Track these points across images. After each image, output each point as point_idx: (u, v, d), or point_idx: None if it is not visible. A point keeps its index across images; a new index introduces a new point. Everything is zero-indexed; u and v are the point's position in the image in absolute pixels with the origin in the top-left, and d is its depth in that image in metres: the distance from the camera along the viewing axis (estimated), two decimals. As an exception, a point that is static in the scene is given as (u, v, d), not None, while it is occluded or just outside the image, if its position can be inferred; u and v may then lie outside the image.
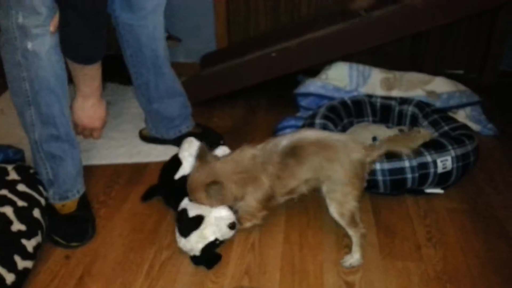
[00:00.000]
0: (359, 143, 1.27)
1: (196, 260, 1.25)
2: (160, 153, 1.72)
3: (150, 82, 1.63)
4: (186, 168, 1.41)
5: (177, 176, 1.41)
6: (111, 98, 2.15)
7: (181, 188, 1.33)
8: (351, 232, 1.25)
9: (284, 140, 1.26)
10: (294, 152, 1.23)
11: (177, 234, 1.27)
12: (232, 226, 1.27)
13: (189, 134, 1.74)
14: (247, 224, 1.33)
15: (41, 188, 1.34)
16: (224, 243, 1.30)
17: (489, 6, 1.85)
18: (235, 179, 1.24)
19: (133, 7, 1.46)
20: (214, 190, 1.22)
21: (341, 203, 1.23)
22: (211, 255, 1.25)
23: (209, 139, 1.75)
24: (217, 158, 1.31)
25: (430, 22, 1.85)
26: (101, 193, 1.53)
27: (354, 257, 1.23)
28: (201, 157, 1.28)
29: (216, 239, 1.25)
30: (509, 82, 2.29)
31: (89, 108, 1.36)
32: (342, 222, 1.25)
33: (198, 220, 1.24)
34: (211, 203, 1.26)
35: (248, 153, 1.26)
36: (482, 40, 2.32)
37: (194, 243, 1.23)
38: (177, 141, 1.74)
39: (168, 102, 1.67)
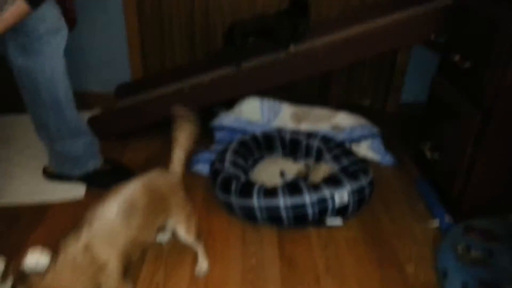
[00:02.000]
0: (166, 171, 1.30)
1: None
2: (66, 192, 1.67)
3: (50, 124, 1.57)
4: None
5: None
6: (13, 132, 2.05)
7: None
8: (196, 245, 1.35)
9: (112, 205, 1.10)
10: (134, 209, 1.12)
11: None
12: None
13: (96, 171, 1.71)
14: None
15: None
16: None
17: (383, 50, 2.01)
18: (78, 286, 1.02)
19: (28, 51, 1.42)
20: None
21: (187, 224, 1.29)
22: None
23: (119, 176, 1.73)
24: (40, 275, 1.02)
25: (331, 65, 1.98)
26: (-3, 237, 1.45)
27: (204, 266, 1.37)
28: (21, 283, 1.02)
29: None
30: (408, 113, 2.50)
31: None
32: (191, 239, 1.32)
33: None
34: None
35: (75, 249, 1.02)
36: (385, 73, 2.52)
37: None
38: (85, 179, 1.70)
39: (71, 143, 1.62)
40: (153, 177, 1.24)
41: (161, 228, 1.28)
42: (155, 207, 1.18)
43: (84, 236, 1.03)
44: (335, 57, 1.93)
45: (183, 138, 1.31)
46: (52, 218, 1.53)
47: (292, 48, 1.91)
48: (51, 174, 1.74)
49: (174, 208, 1.25)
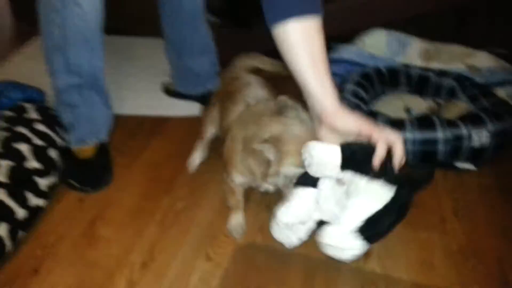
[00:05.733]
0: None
1: None
2: (183, 108, 1.69)
3: (186, 36, 1.58)
4: None
5: None
6: (140, 52, 2.13)
7: None
8: None
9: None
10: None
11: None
12: None
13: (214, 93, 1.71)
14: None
15: (59, 130, 1.33)
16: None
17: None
18: None
19: None
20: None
21: None
22: None
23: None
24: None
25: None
26: (120, 142, 1.51)
27: None
28: None
29: None
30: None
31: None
32: None
33: None
34: None
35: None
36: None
37: None
38: (201, 99, 1.71)
39: (199, 59, 1.63)
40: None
41: None
42: None
43: None
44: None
45: None
46: (171, 129, 1.57)
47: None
48: (169, 91, 1.77)
49: None
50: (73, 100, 1.33)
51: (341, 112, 0.93)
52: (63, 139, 1.33)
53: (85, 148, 1.37)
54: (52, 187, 1.22)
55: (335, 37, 2.00)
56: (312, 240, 1.14)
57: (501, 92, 1.79)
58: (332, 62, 1.89)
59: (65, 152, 1.34)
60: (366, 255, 1.10)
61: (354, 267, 1.07)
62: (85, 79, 1.30)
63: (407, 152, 1.35)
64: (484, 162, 1.42)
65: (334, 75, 1.87)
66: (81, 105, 1.34)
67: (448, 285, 1.03)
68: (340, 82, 1.67)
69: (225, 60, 1.77)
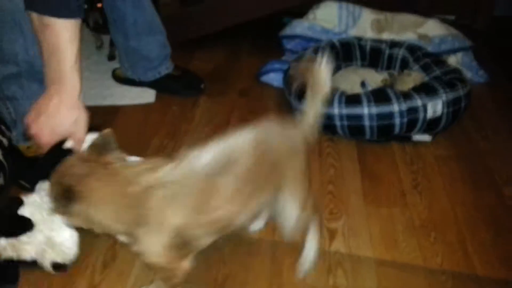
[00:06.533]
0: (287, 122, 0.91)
1: None
2: (136, 96, 1.62)
3: (127, 16, 1.49)
4: None
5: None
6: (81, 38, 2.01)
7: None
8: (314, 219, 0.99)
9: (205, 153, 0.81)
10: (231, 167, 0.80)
11: None
12: (56, 266, 1.00)
13: (168, 76, 1.64)
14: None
15: (3, 127, 1.24)
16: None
17: None
18: (117, 202, 0.78)
19: None
20: (62, 202, 0.78)
21: (303, 201, 0.91)
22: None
23: (189, 83, 1.66)
24: (121, 160, 0.85)
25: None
26: (70, 136, 1.44)
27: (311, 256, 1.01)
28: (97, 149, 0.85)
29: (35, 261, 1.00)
30: (502, 28, 2.20)
31: (51, 112, 0.96)
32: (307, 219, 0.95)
33: (24, 224, 0.98)
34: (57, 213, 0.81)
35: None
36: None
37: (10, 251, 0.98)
38: (155, 84, 1.64)
39: (146, 40, 1.54)
40: (270, 130, 0.88)
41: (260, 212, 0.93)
42: (262, 175, 0.84)
43: (153, 178, 0.78)
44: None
45: (321, 82, 0.92)
46: (124, 120, 1.50)
47: None
48: (120, 78, 1.69)
49: (288, 179, 0.88)
50: (12, 92, 1.22)
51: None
52: (7, 137, 1.24)
53: (32, 145, 1.29)
54: (0, 191, 1.14)
55: (288, 12, 1.98)
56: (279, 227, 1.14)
57: (452, 59, 1.83)
58: (286, 38, 1.88)
59: (11, 151, 1.25)
60: (331, 235, 1.12)
61: (320, 249, 1.08)
62: (22, 68, 1.20)
63: (364, 128, 1.37)
64: (439, 132, 1.45)
65: (289, 51, 1.87)
66: (22, 98, 1.24)
67: (411, 260, 1.06)
68: (294, 59, 1.65)
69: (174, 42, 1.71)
